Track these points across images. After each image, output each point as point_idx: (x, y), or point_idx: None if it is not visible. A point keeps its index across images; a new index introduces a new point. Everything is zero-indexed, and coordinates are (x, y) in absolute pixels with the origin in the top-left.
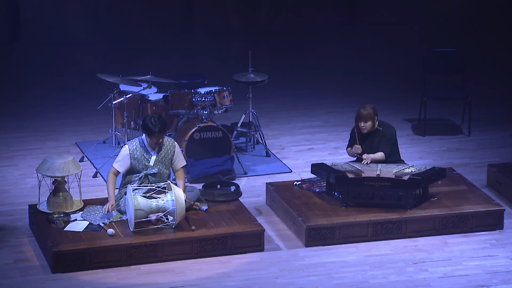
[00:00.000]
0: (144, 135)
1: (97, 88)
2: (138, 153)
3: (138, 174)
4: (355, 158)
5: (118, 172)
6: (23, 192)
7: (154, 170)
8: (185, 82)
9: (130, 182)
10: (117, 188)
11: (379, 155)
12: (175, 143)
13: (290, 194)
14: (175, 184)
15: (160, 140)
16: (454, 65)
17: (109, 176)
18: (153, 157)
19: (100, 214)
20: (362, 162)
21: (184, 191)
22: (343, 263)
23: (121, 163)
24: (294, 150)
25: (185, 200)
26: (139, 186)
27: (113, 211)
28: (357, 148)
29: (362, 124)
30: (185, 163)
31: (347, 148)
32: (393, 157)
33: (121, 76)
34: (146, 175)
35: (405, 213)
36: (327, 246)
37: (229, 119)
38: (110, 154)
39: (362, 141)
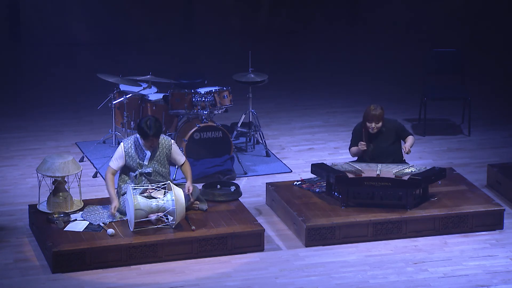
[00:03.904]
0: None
1: (97, 88)
2: (132, 151)
3: (133, 173)
4: (355, 158)
5: (116, 171)
6: (23, 192)
7: (149, 170)
8: (185, 82)
9: (125, 181)
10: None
11: (411, 139)
12: (172, 141)
13: (290, 194)
14: (176, 184)
15: (154, 144)
16: (454, 65)
17: (108, 176)
18: (148, 155)
19: (106, 213)
20: (405, 152)
21: (191, 186)
22: (343, 263)
23: (116, 161)
24: (294, 150)
25: (190, 194)
26: (137, 186)
27: (116, 212)
28: (362, 145)
29: (373, 125)
30: (185, 158)
31: (349, 148)
32: (397, 155)
33: (121, 76)
34: (141, 174)
35: (405, 213)
36: (327, 246)
37: (229, 119)
38: (110, 154)
39: (369, 140)
